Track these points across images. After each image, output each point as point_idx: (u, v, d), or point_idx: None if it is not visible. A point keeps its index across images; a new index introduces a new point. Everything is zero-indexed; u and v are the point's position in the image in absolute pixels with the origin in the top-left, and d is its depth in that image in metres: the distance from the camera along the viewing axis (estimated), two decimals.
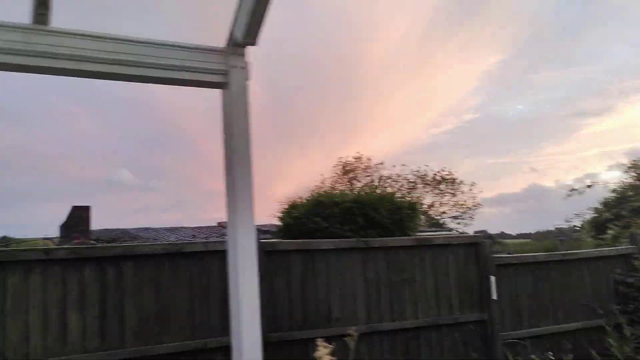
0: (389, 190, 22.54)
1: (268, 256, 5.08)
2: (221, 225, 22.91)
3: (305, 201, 6.60)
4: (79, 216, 17.72)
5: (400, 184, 29.31)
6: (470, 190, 30.22)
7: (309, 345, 4.99)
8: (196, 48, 2.98)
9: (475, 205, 30.41)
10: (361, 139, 40.29)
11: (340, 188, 25.40)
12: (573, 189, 15.51)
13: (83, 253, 4.44)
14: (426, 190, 30.03)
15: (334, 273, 5.42)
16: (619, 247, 8.06)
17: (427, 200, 29.40)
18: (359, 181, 28.97)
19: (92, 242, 16.28)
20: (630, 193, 13.92)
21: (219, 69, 3.00)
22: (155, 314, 4.60)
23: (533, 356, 5.63)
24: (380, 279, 5.63)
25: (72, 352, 4.24)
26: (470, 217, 30.40)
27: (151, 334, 4.56)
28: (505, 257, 6.72)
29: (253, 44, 2.98)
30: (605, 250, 7.57)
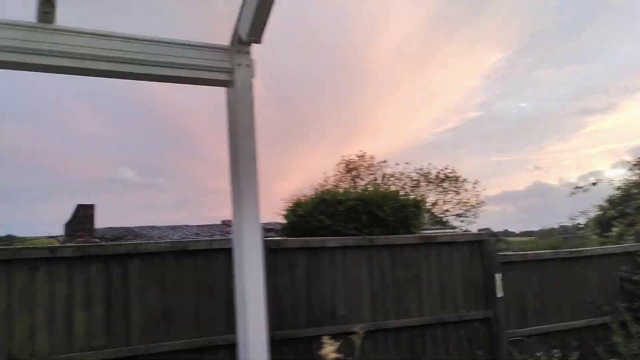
0: (392, 188, 22.54)
1: (273, 254, 5.08)
2: (225, 224, 22.93)
3: (309, 199, 6.59)
4: (83, 214, 17.77)
5: (403, 182, 29.30)
6: (474, 188, 30.18)
7: (314, 343, 5.00)
8: (201, 46, 2.98)
9: (478, 203, 30.37)
10: (364, 137, 40.27)
11: (344, 186, 25.40)
12: (577, 187, 15.44)
13: (88, 251, 4.44)
14: (429, 188, 30.00)
15: (338, 271, 5.41)
16: (625, 245, 8.04)
17: (431, 198, 29.37)
18: (362, 179, 28.96)
19: (96, 240, 16.33)
20: (635, 190, 13.85)
21: (224, 67, 3.00)
22: (161, 312, 4.61)
23: (539, 354, 5.62)
24: (385, 276, 5.62)
25: (78, 349, 4.25)
26: (474, 215, 30.37)
27: (157, 331, 4.56)
28: (511, 254, 6.71)
29: (258, 41, 2.98)
30: (611, 247, 7.54)
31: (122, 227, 20.03)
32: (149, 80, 2.90)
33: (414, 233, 6.40)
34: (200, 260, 4.84)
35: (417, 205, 6.70)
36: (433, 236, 6.26)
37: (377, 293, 5.55)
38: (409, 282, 5.72)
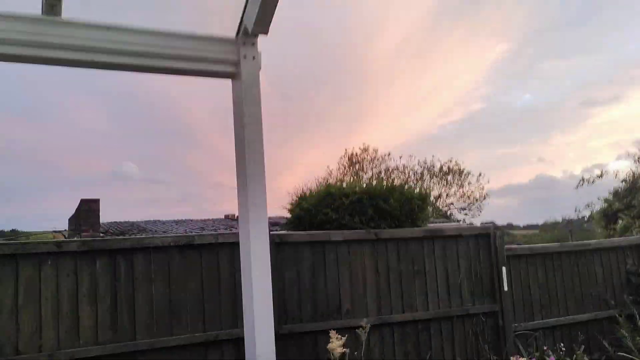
0: (396, 181, 22.50)
1: (278, 248, 5.07)
2: (229, 218, 22.96)
3: (315, 193, 6.57)
4: (87, 209, 17.78)
5: (407, 175, 29.29)
6: (478, 181, 30.16)
7: (320, 336, 5.00)
8: (206, 38, 2.95)
9: (482, 196, 30.34)
10: (367, 131, 40.24)
11: (347, 180, 25.38)
12: (583, 179, 15.38)
13: (94, 245, 4.44)
14: (433, 181, 29.99)
15: (344, 264, 5.40)
16: (631, 237, 8.00)
17: (435, 191, 29.37)
18: (366, 173, 28.96)
19: (101, 234, 16.37)
20: None
21: (229, 59, 2.97)
22: (166, 306, 4.61)
23: (545, 347, 5.61)
24: (391, 270, 5.60)
25: (84, 344, 4.25)
26: (478, 208, 30.36)
27: (162, 325, 4.56)
28: (517, 247, 6.68)
29: (264, 33, 2.95)
30: (617, 240, 7.51)
31: (126, 222, 20.07)
32: (155, 73, 2.88)
33: (419, 226, 6.37)
34: (205, 254, 4.83)
35: (423, 199, 6.67)
36: (439, 229, 6.24)
37: (382, 287, 5.54)
38: (415, 276, 5.70)
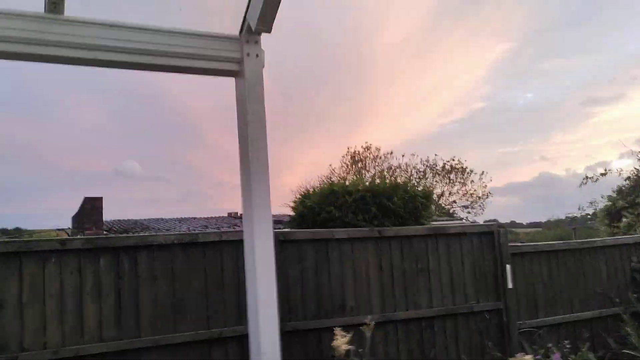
0: (399, 180, 22.47)
1: (281, 245, 5.06)
2: (231, 216, 23.00)
3: (318, 190, 6.56)
4: (90, 207, 17.84)
5: (409, 173, 29.26)
6: (480, 179, 30.12)
7: (323, 334, 5.00)
8: (209, 36, 2.94)
9: (485, 195, 30.31)
10: (368, 130, 40.26)
11: (350, 178, 25.38)
12: (587, 177, 15.31)
13: (98, 243, 4.44)
14: (436, 179, 29.97)
15: (347, 262, 5.40)
16: (635, 235, 7.98)
17: (437, 189, 29.35)
18: (368, 171, 28.94)
19: (104, 232, 16.41)
20: None
21: (232, 57, 2.97)
22: (170, 304, 4.61)
23: (549, 345, 5.59)
24: (395, 268, 5.60)
25: (88, 341, 4.26)
26: (480, 207, 30.33)
27: (166, 323, 4.57)
28: (521, 245, 6.67)
29: (267, 31, 2.94)
30: (621, 238, 7.48)
31: (129, 220, 20.13)
32: (158, 71, 2.87)
33: (423, 224, 6.36)
34: (209, 252, 4.83)
35: (427, 196, 6.65)
36: (443, 227, 6.23)
37: (386, 284, 5.54)
38: (419, 274, 5.70)
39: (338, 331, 3.93)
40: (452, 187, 30.09)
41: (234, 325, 4.76)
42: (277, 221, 12.46)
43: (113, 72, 2.86)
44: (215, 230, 5.85)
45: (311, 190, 6.83)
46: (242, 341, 4.69)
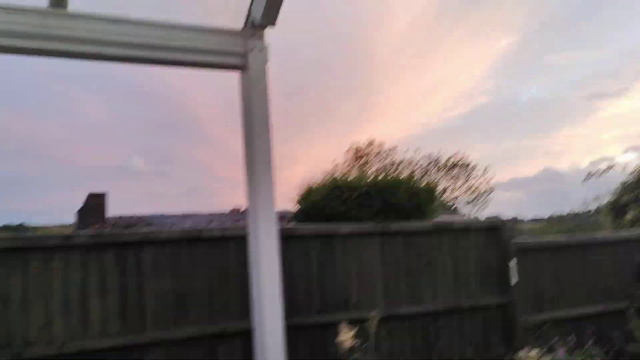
0: (402, 175, 22.42)
1: (285, 241, 5.05)
2: (235, 211, 23.00)
3: (322, 186, 6.54)
4: (94, 203, 17.90)
5: (413, 169, 29.19)
6: (484, 174, 30.04)
7: (328, 329, 4.99)
8: (213, 30, 2.93)
9: (488, 190, 30.23)
10: (373, 124, 40.13)
11: (353, 173, 25.33)
12: (591, 172, 15.27)
13: (102, 239, 4.45)
14: (439, 175, 29.90)
15: (352, 257, 5.39)
16: None
17: (440, 185, 29.26)
18: (372, 166, 28.89)
19: (108, 228, 16.43)
20: None
21: (237, 51, 2.95)
22: (175, 299, 4.62)
23: (554, 340, 5.58)
24: (399, 263, 5.59)
25: (93, 336, 4.27)
26: (484, 202, 30.26)
27: (170, 319, 4.58)
28: (525, 240, 6.64)
29: (272, 25, 2.92)
30: (626, 233, 7.45)
31: (134, 216, 20.16)
32: (162, 65, 2.86)
33: (427, 219, 6.34)
34: (213, 247, 4.82)
35: (431, 192, 6.63)
36: (447, 222, 6.22)
37: (390, 280, 5.53)
38: (423, 269, 5.69)
39: (343, 326, 3.92)
40: (455, 182, 30.02)
41: (239, 321, 4.76)
42: (282, 216, 12.45)
43: (118, 67, 2.86)
44: (219, 226, 5.85)
45: (315, 185, 6.81)
46: (246, 337, 4.67)
